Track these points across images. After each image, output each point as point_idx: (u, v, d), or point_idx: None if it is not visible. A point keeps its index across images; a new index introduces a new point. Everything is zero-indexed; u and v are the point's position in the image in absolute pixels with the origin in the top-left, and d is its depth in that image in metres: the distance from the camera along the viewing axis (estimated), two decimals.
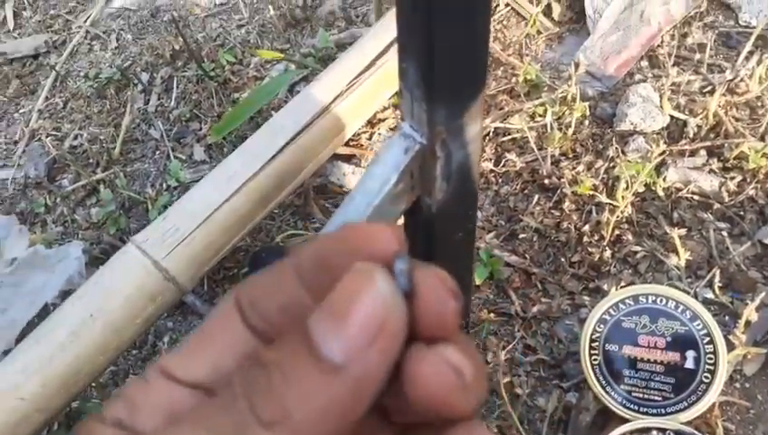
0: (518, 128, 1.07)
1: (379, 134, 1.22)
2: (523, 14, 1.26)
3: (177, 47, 1.43)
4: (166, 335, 1.09)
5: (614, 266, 0.94)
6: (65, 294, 1.13)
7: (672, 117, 1.07)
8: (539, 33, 1.25)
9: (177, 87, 1.38)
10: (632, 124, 1.05)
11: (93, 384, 1.04)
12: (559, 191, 1.00)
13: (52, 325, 0.91)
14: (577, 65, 1.12)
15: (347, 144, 1.19)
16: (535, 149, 1.03)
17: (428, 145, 0.57)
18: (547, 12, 1.26)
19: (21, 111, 1.50)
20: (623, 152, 1.03)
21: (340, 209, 0.64)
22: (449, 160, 0.58)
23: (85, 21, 1.62)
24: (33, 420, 0.87)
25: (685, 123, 1.05)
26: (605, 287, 0.92)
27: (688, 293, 0.87)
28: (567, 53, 1.22)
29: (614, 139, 1.06)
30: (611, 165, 1.02)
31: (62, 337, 0.89)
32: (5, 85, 1.57)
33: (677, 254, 0.90)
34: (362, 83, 1.11)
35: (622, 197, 0.95)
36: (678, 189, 0.99)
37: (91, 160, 1.33)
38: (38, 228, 1.28)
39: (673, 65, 1.13)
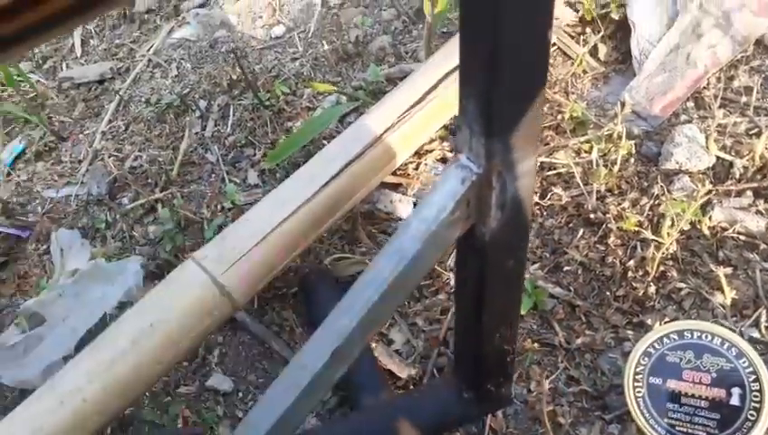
0: (564, 163, 1.10)
1: (426, 164, 1.26)
2: (570, 54, 1.30)
3: (234, 77, 1.50)
4: (216, 349, 1.13)
5: (658, 302, 0.96)
6: (122, 306, 1.19)
7: (718, 157, 1.08)
8: (585, 72, 1.28)
9: (234, 114, 1.46)
10: (678, 163, 1.07)
11: (147, 393, 1.09)
12: (604, 226, 1.02)
13: (115, 333, 0.96)
14: (623, 104, 1.15)
15: (394, 173, 1.23)
16: (581, 185, 1.06)
17: (485, 176, 0.61)
18: (593, 52, 1.30)
19: (85, 132, 1.59)
20: (668, 190, 1.05)
21: (397, 235, 0.68)
22: (504, 191, 0.62)
23: (148, 50, 1.72)
24: (92, 422, 0.92)
25: (731, 164, 1.07)
26: (649, 322, 0.93)
27: (734, 331, 0.88)
28: (612, 92, 1.25)
29: (659, 177, 1.08)
30: (656, 202, 1.04)
31: (123, 345, 0.94)
32: (72, 108, 1.67)
33: (723, 292, 0.91)
34: (412, 117, 1.16)
35: (667, 234, 0.96)
36: (724, 229, 1.00)
37: (150, 181, 1.40)
38: (98, 243, 1.35)
39: (719, 107, 1.14)
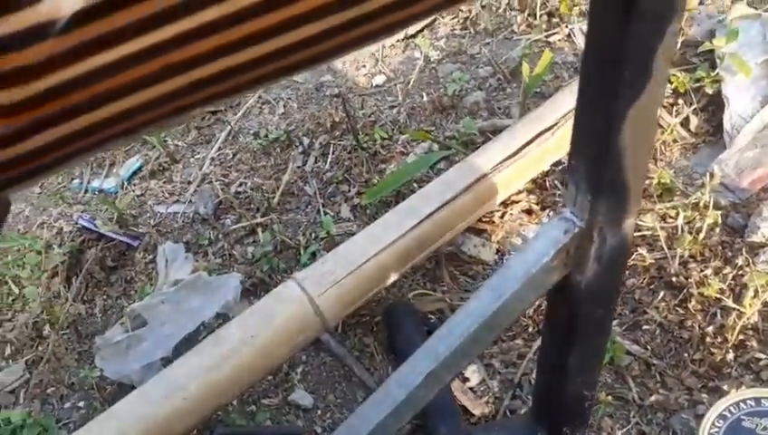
0: (649, 226, 1.14)
1: (511, 214, 1.33)
2: (661, 123, 1.35)
3: (336, 119, 1.62)
4: (299, 367, 1.22)
5: (735, 370, 0.97)
6: (218, 317, 1.30)
7: None
8: (675, 141, 1.33)
9: (333, 153, 1.57)
10: (764, 237, 1.09)
11: (234, 401, 1.17)
12: (685, 290, 1.05)
13: (217, 340, 1.06)
14: (712, 175, 1.18)
15: (481, 220, 1.30)
16: (665, 248, 1.10)
17: (586, 230, 0.68)
18: (685, 123, 1.35)
19: (196, 156, 1.74)
20: (753, 262, 1.08)
21: (498, 274, 0.74)
22: (603, 245, 0.68)
23: None
24: (189, 419, 1.01)
25: None
26: (725, 388, 0.95)
27: None
28: (701, 163, 1.29)
29: (744, 249, 1.10)
30: (740, 273, 1.06)
31: (225, 351, 1.03)
32: (186, 133, 1.83)
33: None
34: (504, 169, 1.24)
35: (750, 304, 0.99)
36: None
37: (252, 206, 1.52)
38: (200, 258, 1.48)
39: None
